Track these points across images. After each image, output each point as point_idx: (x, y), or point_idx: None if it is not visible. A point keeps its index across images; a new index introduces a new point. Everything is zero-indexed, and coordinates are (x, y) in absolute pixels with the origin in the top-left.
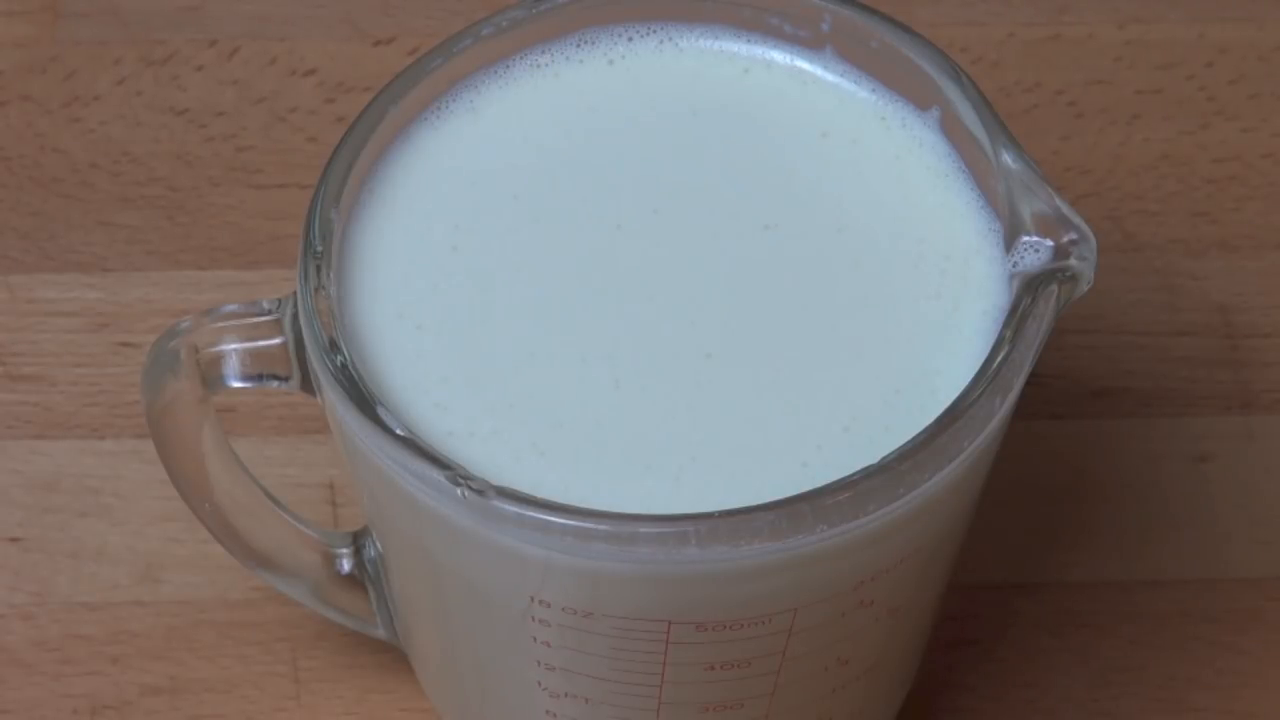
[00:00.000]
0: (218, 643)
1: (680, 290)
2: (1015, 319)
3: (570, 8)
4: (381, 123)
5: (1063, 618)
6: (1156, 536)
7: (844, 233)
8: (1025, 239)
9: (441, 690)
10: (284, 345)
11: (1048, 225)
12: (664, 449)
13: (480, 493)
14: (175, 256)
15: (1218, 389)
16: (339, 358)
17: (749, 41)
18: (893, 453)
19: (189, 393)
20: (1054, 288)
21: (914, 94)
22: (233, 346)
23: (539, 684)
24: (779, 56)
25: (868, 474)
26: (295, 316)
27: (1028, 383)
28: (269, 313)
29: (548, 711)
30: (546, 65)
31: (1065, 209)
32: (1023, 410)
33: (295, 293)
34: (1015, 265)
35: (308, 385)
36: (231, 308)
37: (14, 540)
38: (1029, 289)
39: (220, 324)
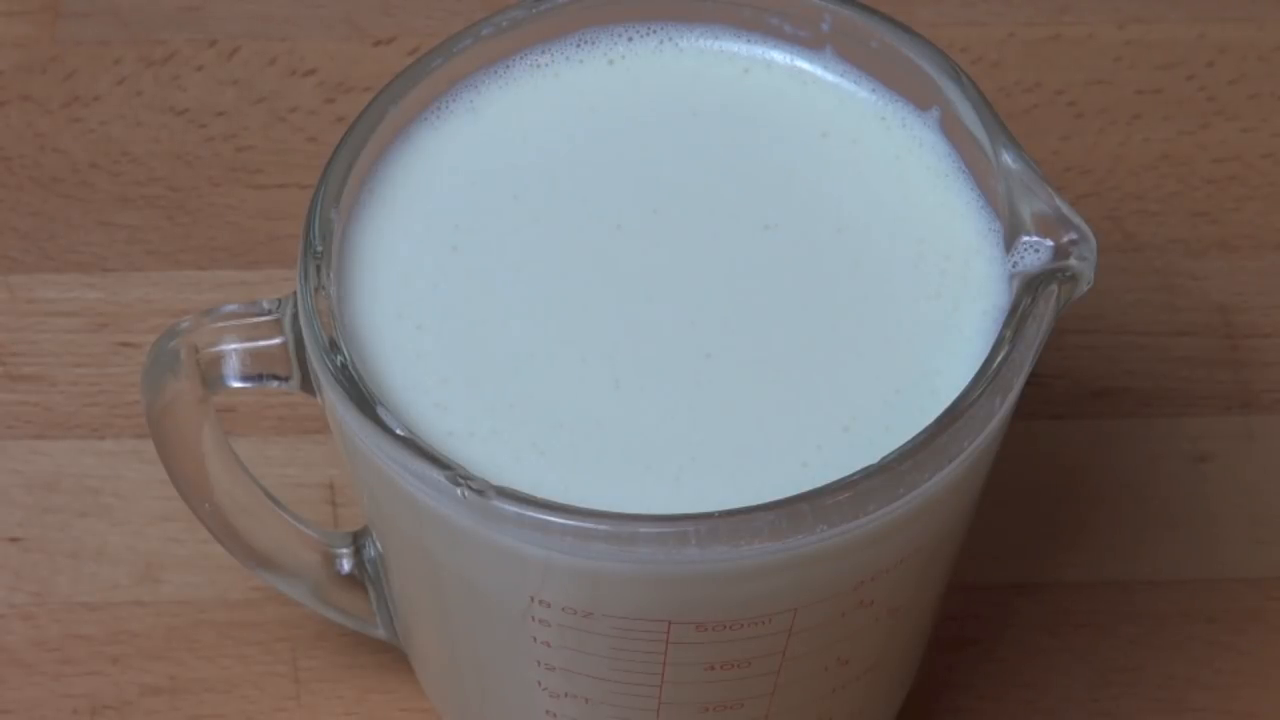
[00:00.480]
0: (218, 643)
1: (680, 290)
2: (1015, 319)
3: (570, 8)
4: (381, 123)
5: (1062, 618)
6: (1156, 536)
7: (844, 233)
8: (1025, 239)
9: (441, 690)
10: (284, 345)
11: (1048, 225)
12: (664, 449)
13: (480, 493)
14: (175, 256)
15: (1218, 389)
16: (339, 358)
17: (749, 41)
18: (893, 453)
19: (189, 393)
20: (1054, 288)
21: (914, 94)
22: (233, 346)
23: (539, 684)
24: (779, 56)
25: (868, 474)
26: (295, 316)
27: (1028, 383)
28: (269, 313)
29: (548, 711)
30: (546, 65)
31: (1065, 209)
32: (1023, 410)
33: (295, 293)
34: (1015, 265)
35: (308, 385)
36: (231, 308)
37: (14, 540)
38: (1029, 289)
39: (220, 324)
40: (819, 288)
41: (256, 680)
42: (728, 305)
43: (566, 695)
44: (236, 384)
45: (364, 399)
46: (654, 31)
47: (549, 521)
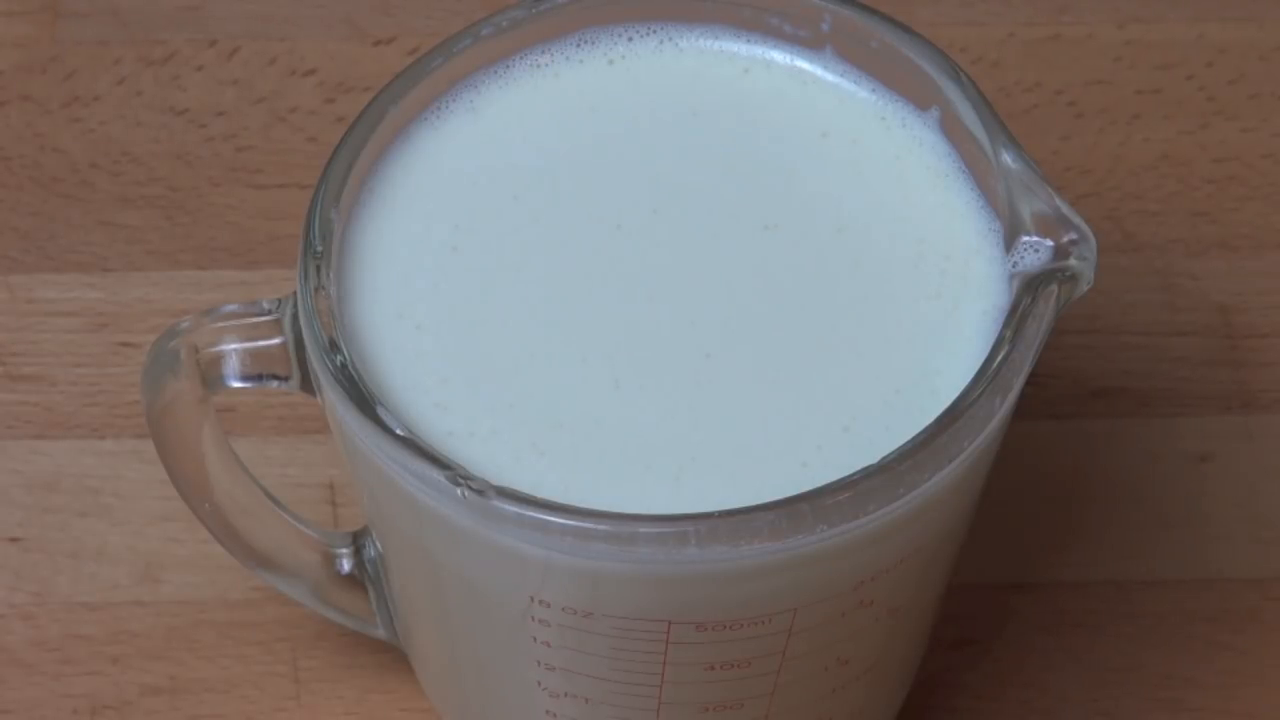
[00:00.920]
0: (218, 643)
1: (680, 290)
2: (1015, 319)
3: (570, 8)
4: (381, 123)
5: (1062, 617)
6: (1155, 536)
7: (844, 233)
8: (1025, 239)
9: (441, 690)
10: (284, 345)
11: (1048, 225)
12: (664, 449)
13: (480, 493)
14: (175, 256)
15: (1217, 389)
16: (339, 358)
17: (749, 41)
18: (893, 453)
19: (189, 393)
20: (1054, 288)
21: (914, 94)
22: (233, 346)
23: (539, 684)
24: (779, 56)
25: (868, 474)
26: (295, 316)
27: (1028, 383)
28: (269, 313)
29: (548, 711)
30: (546, 65)
31: (1065, 209)
32: (1023, 410)
33: (295, 293)
34: (1015, 265)
35: (308, 385)
36: (231, 308)
37: (14, 540)
38: (1029, 289)
39: (220, 324)
40: (819, 288)
41: (256, 680)
42: (728, 305)
43: (566, 695)
44: (236, 384)
45: (364, 399)
46: (654, 31)
47: (549, 521)
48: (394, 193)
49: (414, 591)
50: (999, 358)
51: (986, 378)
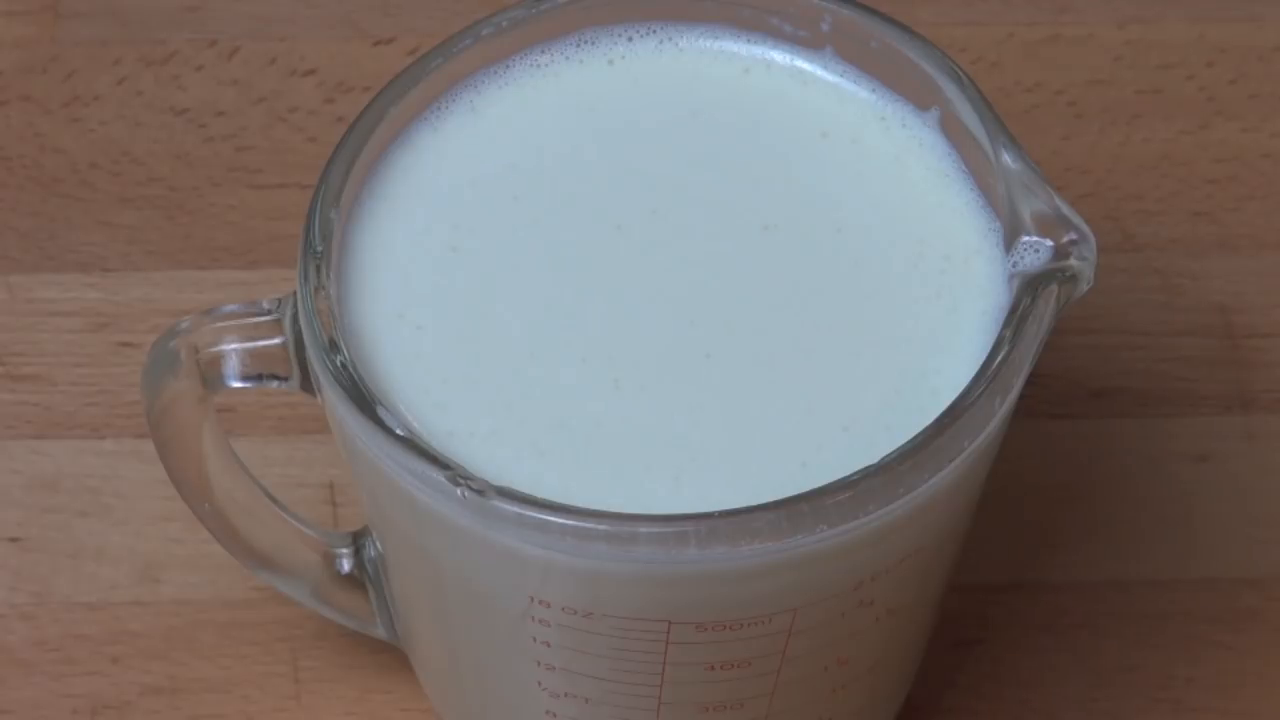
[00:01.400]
0: (218, 643)
1: (680, 290)
2: (1015, 319)
3: (570, 8)
4: (381, 123)
5: (1062, 617)
6: (1156, 536)
7: (844, 233)
8: (1025, 239)
9: (441, 690)
10: (284, 345)
11: (1048, 225)
12: (664, 449)
13: (480, 493)
14: (175, 256)
15: (1218, 389)
16: (339, 358)
17: (749, 41)
18: (893, 453)
19: (189, 393)
20: (1054, 288)
21: (914, 94)
22: (233, 346)
23: (539, 684)
24: (779, 56)
25: (868, 474)
26: (295, 316)
27: (1028, 383)
28: (269, 313)
29: (548, 711)
30: (546, 65)
31: (1065, 209)
32: (1023, 410)
33: (295, 293)
34: (1015, 265)
35: (308, 385)
36: (231, 308)
37: (14, 540)
38: (1029, 289)
39: (220, 324)
40: (819, 288)
41: (256, 680)
42: (727, 305)
43: (566, 695)
44: (236, 384)
45: (364, 399)
46: (654, 31)
47: (549, 521)
48: (394, 193)
49: (414, 591)
50: (999, 358)
51: (986, 378)
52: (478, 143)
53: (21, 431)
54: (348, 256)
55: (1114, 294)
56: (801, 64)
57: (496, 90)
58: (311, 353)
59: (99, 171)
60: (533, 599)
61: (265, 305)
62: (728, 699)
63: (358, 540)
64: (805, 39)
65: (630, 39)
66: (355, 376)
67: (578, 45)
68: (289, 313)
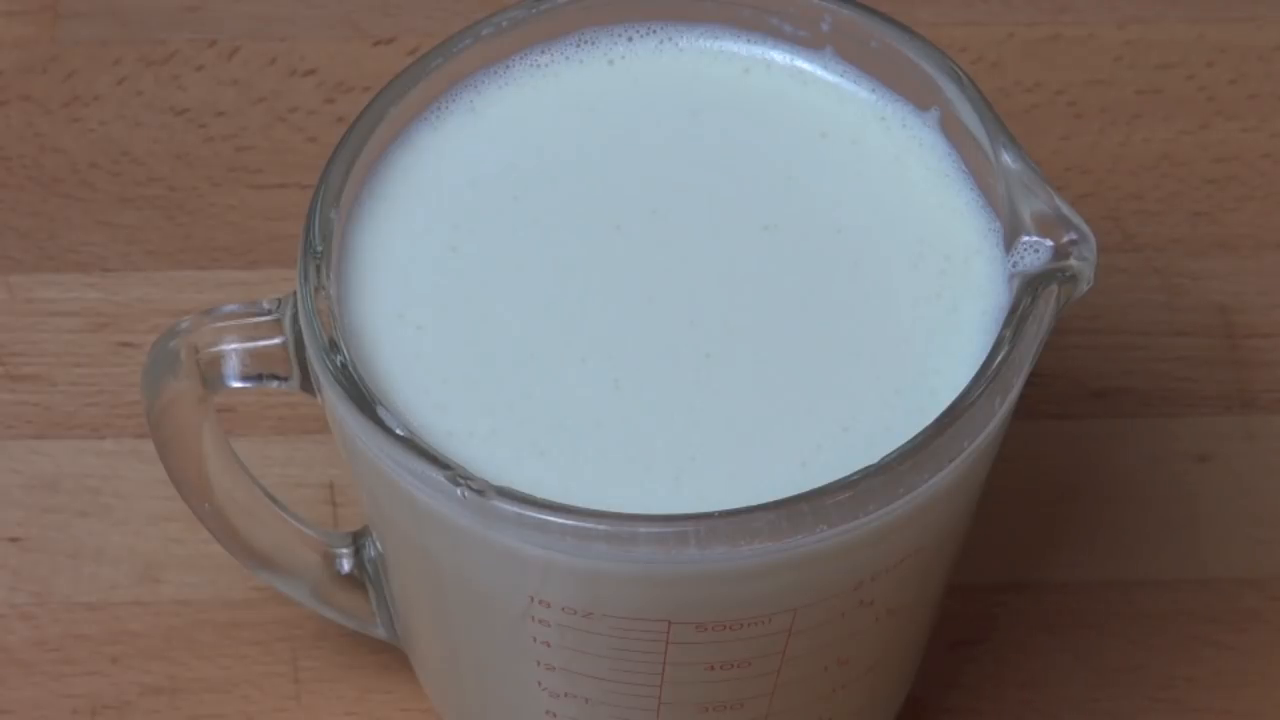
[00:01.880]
0: (218, 643)
1: (680, 290)
2: (1015, 319)
3: (570, 8)
4: (381, 123)
5: (1062, 618)
6: (1156, 536)
7: (843, 233)
8: (1025, 239)
9: (441, 690)
10: (284, 345)
11: (1048, 225)
12: (664, 449)
13: (480, 493)
14: (175, 256)
15: (1218, 389)
16: (339, 358)
17: (749, 41)
18: (893, 453)
19: (189, 393)
20: (1054, 288)
21: (914, 94)
22: (233, 346)
23: (539, 684)
24: (779, 56)
25: (868, 474)
26: (295, 316)
27: (1028, 383)
28: (269, 313)
29: (548, 711)
30: (546, 65)
31: (1065, 209)
32: (1023, 410)
33: (295, 293)
34: (1015, 265)
35: (308, 385)
36: (231, 308)
37: (14, 540)
38: (1029, 289)
39: (220, 324)
40: (818, 288)
41: (256, 680)
42: (727, 305)
43: (566, 695)
44: (236, 384)
45: (364, 399)
46: (654, 31)
47: (549, 521)
48: (394, 193)
49: (414, 591)
50: (999, 358)
51: (986, 378)
52: (478, 143)
53: (21, 431)
54: (348, 256)
55: (1114, 294)
56: (801, 64)
57: (496, 90)
58: (311, 353)
59: (99, 171)
60: (533, 599)
61: (265, 305)
62: (728, 699)
63: (358, 540)
64: (805, 39)
65: (630, 39)
66: (355, 376)
67: (578, 45)
68: (289, 313)
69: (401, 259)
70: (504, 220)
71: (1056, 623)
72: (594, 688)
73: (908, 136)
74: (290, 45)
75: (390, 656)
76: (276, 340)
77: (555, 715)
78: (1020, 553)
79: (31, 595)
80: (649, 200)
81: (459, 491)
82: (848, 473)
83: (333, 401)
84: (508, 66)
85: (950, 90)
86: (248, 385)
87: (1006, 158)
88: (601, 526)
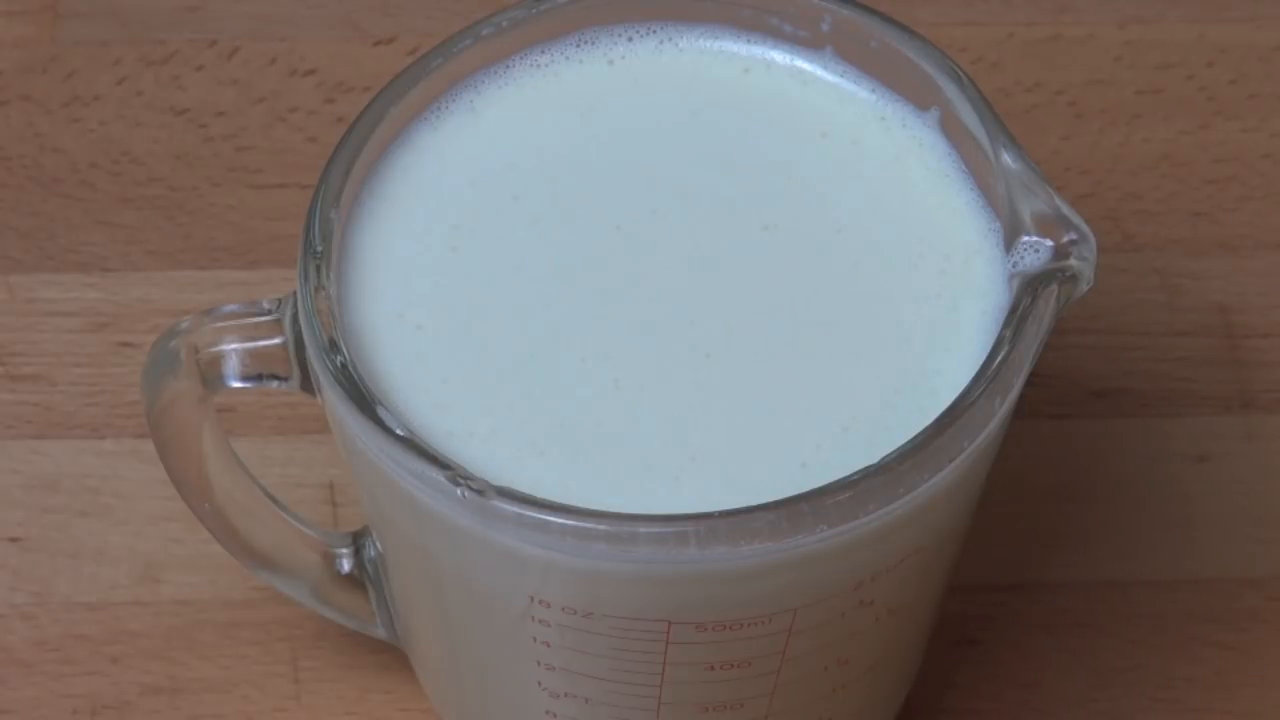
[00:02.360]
0: (218, 643)
1: (680, 290)
2: (1015, 319)
3: (570, 8)
4: (381, 123)
5: (1062, 618)
6: (1156, 536)
7: (844, 233)
8: (1025, 239)
9: (441, 690)
10: (284, 345)
11: (1048, 225)
12: (664, 449)
13: (480, 493)
14: (175, 256)
15: (1218, 389)
16: (339, 358)
17: (749, 41)
18: (893, 453)
19: (189, 393)
20: (1054, 288)
21: (914, 94)
22: (233, 346)
23: (539, 684)
24: (779, 56)
25: (868, 474)
26: (295, 316)
27: (1028, 383)
28: (269, 313)
29: (548, 711)
30: (546, 65)
31: (1065, 209)
32: (1023, 410)
33: (295, 293)
34: (1015, 265)
35: (308, 385)
36: (231, 308)
37: (14, 540)
38: (1029, 289)
39: (220, 324)
40: (818, 288)
41: (256, 680)
42: (727, 305)
43: (566, 695)
44: (236, 384)
45: (364, 399)
46: (654, 31)
47: (549, 521)
48: (394, 193)
49: (414, 591)
50: (999, 358)
51: (986, 378)
52: (478, 143)
53: (21, 431)
54: (348, 256)
55: (1114, 294)
56: (801, 64)
57: (496, 90)
58: (311, 353)
59: (99, 171)
60: (533, 599)
61: (265, 305)
62: (728, 699)
63: (358, 540)
64: (805, 39)
65: (630, 39)
66: (355, 376)
67: (578, 45)
68: (289, 313)
69: (401, 259)
70: (504, 220)
71: (1056, 623)
72: (594, 688)
73: (908, 136)
74: (290, 45)
75: (390, 656)
76: (276, 340)
77: (555, 715)
78: (1020, 553)
79: (31, 595)
80: (649, 200)
81: (459, 491)
82: (848, 473)
83: (333, 401)
84: (508, 66)
85: (950, 90)
86: (248, 385)
87: (1006, 158)
88: (601, 526)
